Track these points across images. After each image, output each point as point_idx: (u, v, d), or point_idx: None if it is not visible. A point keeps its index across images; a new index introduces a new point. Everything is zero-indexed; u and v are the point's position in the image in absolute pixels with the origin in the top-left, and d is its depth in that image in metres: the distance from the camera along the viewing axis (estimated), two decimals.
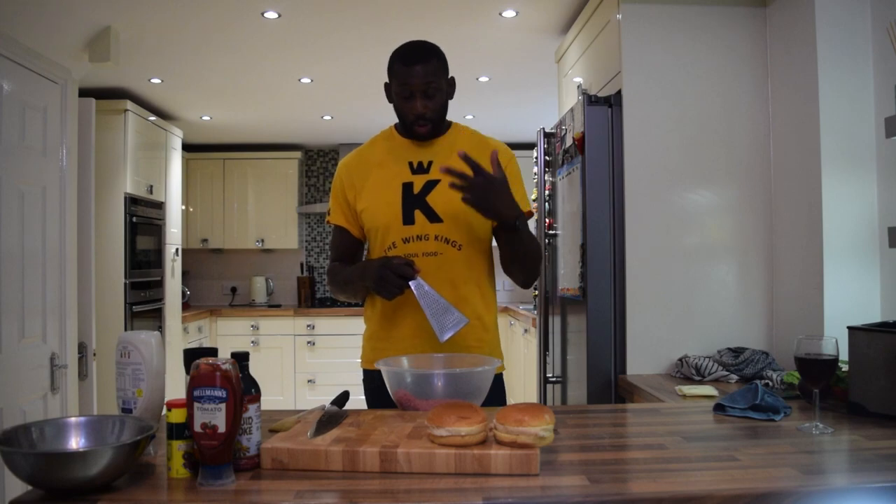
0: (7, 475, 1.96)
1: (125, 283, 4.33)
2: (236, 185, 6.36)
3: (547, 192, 3.17)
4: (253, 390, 1.20)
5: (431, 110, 1.75)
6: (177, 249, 5.27)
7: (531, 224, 1.91)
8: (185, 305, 5.78)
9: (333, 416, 1.38)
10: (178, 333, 5.18)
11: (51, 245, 2.92)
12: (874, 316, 2.18)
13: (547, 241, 3.14)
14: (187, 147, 6.08)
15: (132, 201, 4.43)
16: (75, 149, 3.14)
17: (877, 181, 2.23)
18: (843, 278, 2.22)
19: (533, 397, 4.09)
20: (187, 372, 1.17)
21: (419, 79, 1.72)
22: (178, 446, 1.15)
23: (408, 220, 1.76)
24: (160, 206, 4.93)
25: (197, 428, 1.10)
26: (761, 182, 2.58)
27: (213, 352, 1.29)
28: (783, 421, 1.56)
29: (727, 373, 2.31)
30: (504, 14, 3.25)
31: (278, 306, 6.35)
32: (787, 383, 1.95)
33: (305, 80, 4.32)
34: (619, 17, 2.59)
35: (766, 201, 2.58)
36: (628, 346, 2.54)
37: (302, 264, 6.64)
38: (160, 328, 4.79)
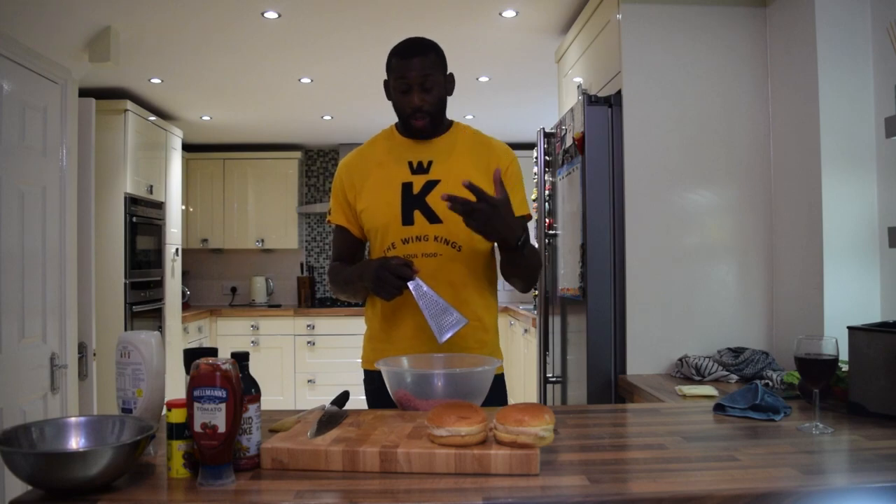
0: (7, 475, 1.96)
1: (125, 283, 4.33)
2: (236, 185, 6.36)
3: (547, 192, 3.17)
4: (253, 390, 1.20)
5: (429, 104, 1.74)
6: (177, 249, 5.27)
7: (531, 225, 1.91)
8: (185, 305, 5.78)
9: (333, 416, 1.38)
10: (178, 333, 5.18)
11: (51, 245, 2.92)
12: (874, 316, 2.18)
13: (547, 241, 3.14)
14: (187, 147, 6.08)
15: (132, 201, 4.43)
16: (75, 149, 3.14)
17: (877, 181, 2.23)
18: (843, 278, 2.22)
19: (533, 397, 4.09)
20: (187, 372, 1.17)
21: (416, 72, 1.72)
22: (178, 446, 1.15)
23: (407, 220, 1.76)
24: (160, 206, 4.93)
25: (197, 428, 1.10)
26: (761, 182, 2.58)
27: (213, 352, 1.29)
28: (783, 421, 1.56)
29: (727, 373, 2.31)
30: (504, 14, 3.25)
31: (278, 306, 6.35)
32: (787, 383, 1.95)
33: (305, 80, 4.32)
34: (619, 17, 2.59)
35: (766, 201, 2.58)
36: (628, 346, 2.54)
37: (302, 264, 6.64)
38: (160, 328, 4.79)
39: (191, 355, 1.27)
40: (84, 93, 3.29)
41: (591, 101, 2.60)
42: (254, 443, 1.19)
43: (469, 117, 5.31)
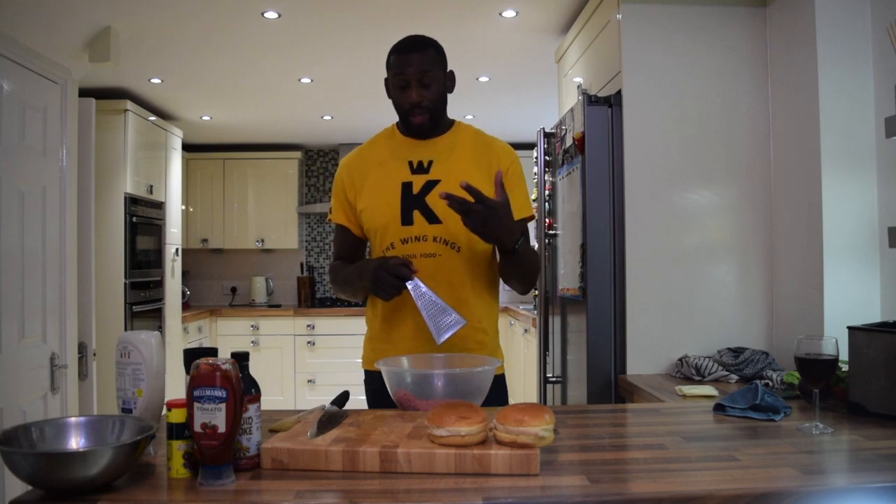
0: (7, 475, 1.96)
1: (125, 283, 4.33)
2: (236, 185, 6.36)
3: (547, 192, 3.17)
4: (253, 390, 1.20)
5: (428, 99, 1.73)
6: (177, 249, 5.27)
7: (531, 225, 1.90)
8: (185, 305, 5.78)
9: (333, 416, 1.38)
10: (178, 333, 5.18)
11: (51, 245, 2.92)
12: (874, 316, 2.18)
13: (547, 241, 3.14)
14: (187, 147, 6.08)
15: (132, 201, 4.43)
16: (75, 149, 3.14)
17: (877, 181, 2.23)
18: (843, 278, 2.22)
19: (533, 397, 4.09)
20: (187, 372, 1.16)
21: (414, 67, 1.71)
22: (178, 446, 1.15)
23: (406, 220, 1.75)
24: (160, 206, 4.93)
25: (197, 428, 1.10)
26: (761, 182, 2.58)
27: (213, 352, 1.29)
28: (783, 421, 1.56)
29: (727, 373, 2.31)
30: (504, 14, 3.25)
31: (278, 306, 6.36)
32: (787, 383, 1.95)
33: (305, 80, 4.32)
34: (619, 17, 2.59)
35: (766, 201, 2.58)
36: (628, 346, 2.54)
37: (302, 264, 6.64)
38: (160, 328, 4.80)
39: (191, 355, 1.27)
40: (84, 93, 3.29)
41: (591, 101, 2.60)
42: (254, 443, 1.19)
43: (469, 117, 5.31)
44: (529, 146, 4.89)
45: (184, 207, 5.88)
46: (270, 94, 4.67)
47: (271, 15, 3.21)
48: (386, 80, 1.80)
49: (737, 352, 2.42)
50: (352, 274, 1.78)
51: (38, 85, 2.87)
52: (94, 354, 3.31)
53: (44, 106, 2.90)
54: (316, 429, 1.29)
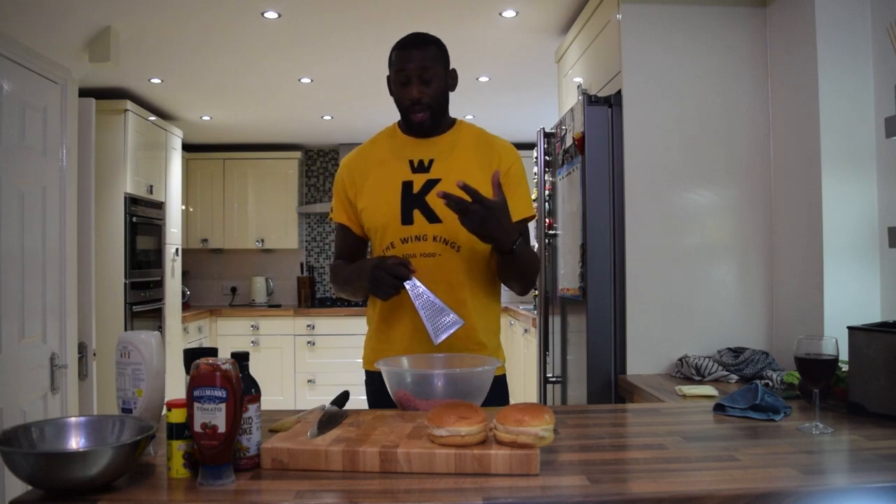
0: (7, 475, 1.96)
1: (125, 283, 4.33)
2: (236, 185, 6.36)
3: (547, 192, 3.17)
4: (253, 390, 1.20)
5: (428, 96, 1.73)
6: (177, 249, 5.27)
7: (531, 225, 1.90)
8: (185, 305, 5.78)
9: (333, 416, 1.38)
10: (178, 333, 5.18)
11: (51, 245, 2.92)
12: (874, 316, 2.18)
13: (547, 241, 3.14)
14: (187, 147, 6.08)
15: (132, 201, 4.43)
16: (75, 149, 3.14)
17: (877, 181, 2.23)
18: (843, 278, 2.22)
19: (533, 397, 4.09)
20: (187, 372, 1.16)
21: (415, 63, 1.71)
22: (178, 446, 1.15)
23: (406, 219, 1.74)
24: (160, 206, 4.93)
25: (197, 428, 1.10)
26: (761, 182, 2.58)
27: (213, 352, 1.29)
28: (783, 421, 1.56)
29: (727, 373, 2.31)
30: (504, 14, 3.25)
31: (278, 306, 6.36)
32: (787, 383, 1.95)
33: (305, 80, 4.32)
34: (619, 17, 2.59)
35: (766, 201, 2.58)
36: (628, 346, 2.54)
37: (302, 264, 6.64)
38: (160, 328, 4.80)
39: (191, 355, 1.27)
40: (84, 93, 3.29)
41: (591, 101, 2.60)
42: (254, 443, 1.19)
43: (469, 117, 5.31)
44: (529, 146, 4.89)
45: (184, 207, 5.88)
46: (270, 94, 4.67)
47: (271, 15, 3.21)
48: (388, 77, 1.79)
49: (737, 352, 2.42)
50: (351, 273, 1.77)
51: (38, 85, 2.87)
52: (94, 354, 3.31)
53: (44, 106, 2.90)
54: (316, 429, 1.29)
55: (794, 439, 1.41)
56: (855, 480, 1.18)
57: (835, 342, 1.49)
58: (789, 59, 2.45)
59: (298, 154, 6.44)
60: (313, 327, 6.00)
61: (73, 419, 1.22)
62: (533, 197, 3.10)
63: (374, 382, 1.80)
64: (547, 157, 3.15)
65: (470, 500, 1.05)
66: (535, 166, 3.24)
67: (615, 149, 2.59)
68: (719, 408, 1.64)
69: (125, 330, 4.25)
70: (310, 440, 1.23)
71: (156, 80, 4.28)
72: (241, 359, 1.20)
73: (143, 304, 4.56)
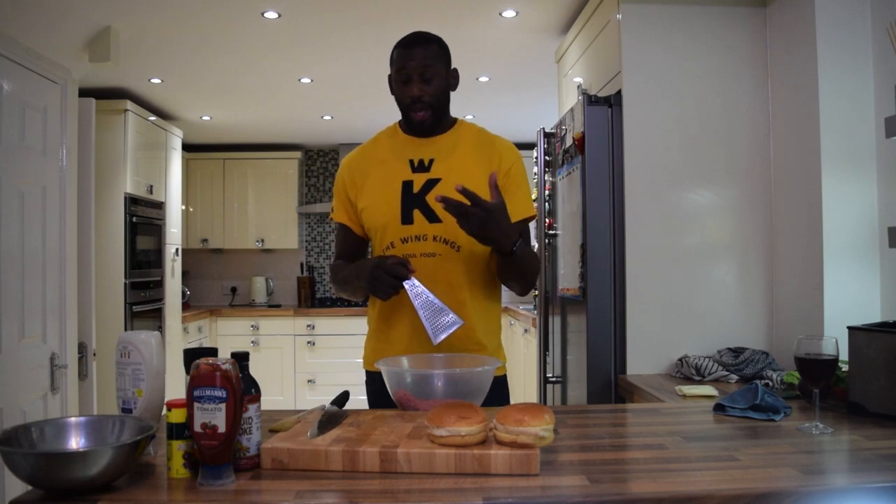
0: (7, 475, 1.96)
1: (125, 283, 4.33)
2: (236, 185, 6.36)
3: (547, 192, 3.17)
4: (253, 390, 1.20)
5: (429, 94, 1.72)
6: (177, 249, 5.27)
7: (532, 225, 1.90)
8: (185, 305, 5.78)
9: (333, 416, 1.38)
10: (178, 333, 5.18)
11: (51, 245, 2.92)
12: (874, 316, 2.18)
13: (547, 241, 3.14)
14: (187, 147, 6.08)
15: (132, 201, 4.43)
16: (75, 149, 3.14)
17: (877, 181, 2.23)
18: (843, 278, 2.22)
19: (533, 397, 4.09)
20: (187, 372, 1.16)
21: (417, 61, 1.70)
22: (178, 446, 1.15)
23: (406, 219, 1.74)
24: (160, 206, 4.93)
25: (197, 428, 1.10)
26: (761, 182, 2.58)
27: (213, 352, 1.29)
28: (783, 421, 1.56)
29: (727, 373, 2.31)
30: (504, 14, 3.25)
31: (278, 306, 6.35)
32: (787, 383, 1.95)
33: (305, 80, 4.32)
34: (619, 17, 2.59)
35: (766, 201, 2.58)
36: (628, 346, 2.54)
37: (302, 264, 6.64)
38: (160, 328, 4.80)
39: (191, 355, 1.27)
40: (84, 93, 3.29)
41: (591, 101, 2.60)
42: (254, 443, 1.19)
43: (469, 117, 5.31)
44: (529, 146, 4.88)
45: (184, 207, 5.88)
46: (270, 94, 4.67)
47: (271, 15, 3.21)
48: (389, 76, 1.79)
49: (737, 352, 2.42)
50: (350, 273, 1.77)
51: (38, 85, 2.87)
52: (94, 354, 3.31)
53: (44, 106, 2.90)
54: (316, 429, 1.29)
55: (794, 439, 1.41)
56: (855, 480, 1.18)
57: (835, 342, 1.49)
58: (789, 59, 2.45)
59: (298, 154, 6.44)
60: (313, 327, 6.00)
61: (73, 419, 1.22)
62: (533, 197, 3.11)
63: (374, 383, 1.80)
64: (547, 157, 3.15)
65: (470, 500, 1.05)
66: (535, 166, 3.24)
67: (615, 149, 2.59)
68: (719, 408, 1.64)
69: (125, 330, 4.25)
70: (310, 440, 1.23)
71: (156, 80, 4.28)
72: (241, 359, 1.20)
73: (143, 304, 4.56)
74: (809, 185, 2.31)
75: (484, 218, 1.53)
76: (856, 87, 2.24)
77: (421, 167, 1.77)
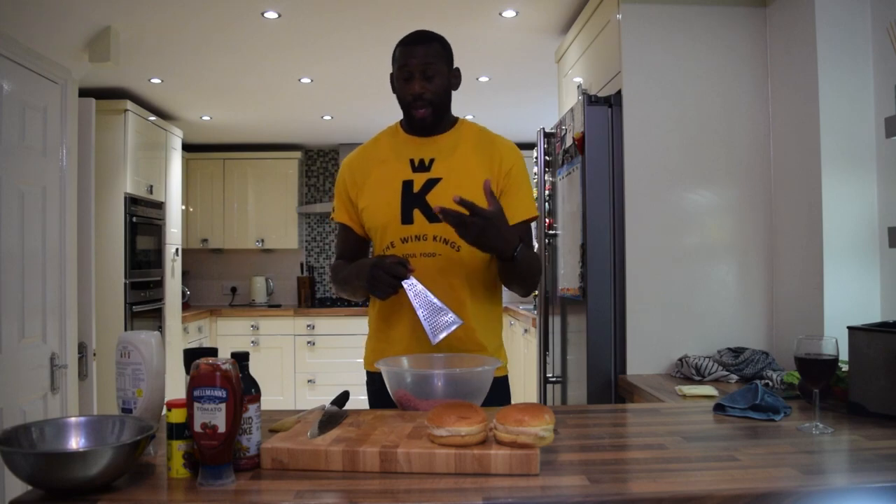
0: (7, 475, 1.96)
1: (125, 283, 4.33)
2: (236, 185, 6.36)
3: (547, 192, 3.17)
4: (253, 390, 1.20)
5: (431, 92, 1.72)
6: (177, 249, 5.27)
7: (532, 226, 1.89)
8: (185, 305, 5.78)
9: (333, 416, 1.38)
10: (178, 333, 5.18)
11: (51, 245, 2.92)
12: (874, 316, 2.18)
13: (547, 241, 3.14)
14: (187, 147, 6.08)
15: (132, 201, 4.43)
16: (75, 149, 3.14)
17: (877, 181, 2.23)
18: (843, 278, 2.22)
19: (533, 397, 4.09)
20: (187, 372, 1.16)
21: (418, 59, 1.70)
22: (178, 446, 1.15)
23: (406, 219, 1.74)
24: (160, 206, 4.93)
25: (197, 428, 1.10)
26: (761, 182, 2.58)
27: (213, 352, 1.29)
28: (783, 421, 1.56)
29: (727, 373, 2.31)
30: (504, 14, 3.25)
31: (278, 306, 6.35)
32: (787, 383, 1.95)
33: (305, 80, 4.32)
34: (619, 17, 2.59)
35: (766, 201, 2.58)
36: (628, 346, 2.54)
37: (302, 264, 6.64)
38: (160, 328, 4.80)
39: (191, 355, 1.27)
40: (84, 93, 3.29)
41: (591, 101, 2.60)
42: (254, 443, 1.19)
43: (469, 117, 5.31)
44: (529, 146, 4.89)
45: (184, 207, 5.88)
46: (270, 94, 4.67)
47: (271, 15, 3.21)
48: (391, 74, 1.79)
49: (737, 352, 2.42)
50: (350, 273, 1.76)
51: (38, 85, 2.87)
52: (94, 354, 3.31)
53: (44, 106, 2.90)
54: (316, 429, 1.29)
55: (794, 439, 1.41)
56: (855, 480, 1.18)
57: (835, 342, 1.49)
58: (789, 59, 2.45)
59: (298, 154, 6.44)
60: (313, 327, 6.00)
61: (73, 419, 1.22)
62: (534, 197, 3.10)
63: (374, 383, 1.80)
64: (547, 157, 3.15)
65: (470, 500, 1.05)
66: (536, 166, 3.24)
67: (615, 149, 2.59)
68: (719, 408, 1.64)
69: (125, 330, 4.25)
70: (310, 440, 1.23)
71: (156, 80, 4.28)
72: (241, 359, 1.20)
73: (143, 304, 4.56)
74: (809, 185, 2.31)
75: (483, 226, 1.52)
76: (856, 87, 2.24)
77: (421, 167, 1.77)
